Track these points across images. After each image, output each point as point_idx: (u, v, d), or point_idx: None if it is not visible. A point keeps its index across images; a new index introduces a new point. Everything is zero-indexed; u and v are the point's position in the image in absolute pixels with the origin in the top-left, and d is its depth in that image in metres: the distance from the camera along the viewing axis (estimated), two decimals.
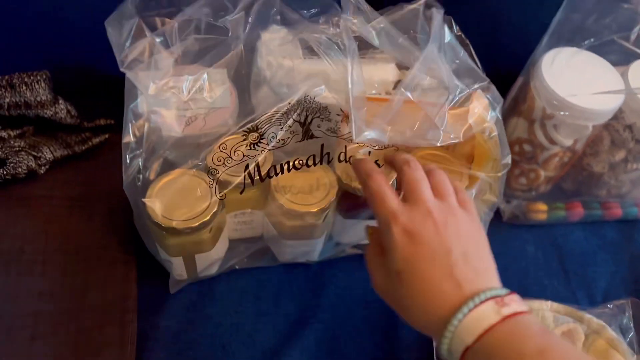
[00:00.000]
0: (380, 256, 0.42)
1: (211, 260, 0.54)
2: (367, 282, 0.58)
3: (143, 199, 0.48)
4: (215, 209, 0.49)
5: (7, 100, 0.57)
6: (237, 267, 0.57)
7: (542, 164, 0.62)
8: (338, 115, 0.51)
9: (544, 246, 0.64)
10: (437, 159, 0.56)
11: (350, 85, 0.46)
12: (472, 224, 0.42)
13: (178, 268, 0.53)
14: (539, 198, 0.66)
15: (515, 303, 0.36)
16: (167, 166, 0.51)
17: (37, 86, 0.57)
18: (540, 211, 0.65)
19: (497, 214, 0.65)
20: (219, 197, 0.49)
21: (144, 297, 0.54)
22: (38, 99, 0.57)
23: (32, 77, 0.56)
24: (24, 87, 0.56)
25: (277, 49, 0.55)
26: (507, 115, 0.62)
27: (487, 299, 0.36)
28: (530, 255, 0.63)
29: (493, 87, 0.52)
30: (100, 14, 0.54)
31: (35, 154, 0.56)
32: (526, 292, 0.56)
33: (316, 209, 0.51)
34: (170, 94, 0.49)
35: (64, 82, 0.61)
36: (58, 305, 0.51)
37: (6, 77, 0.56)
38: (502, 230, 0.64)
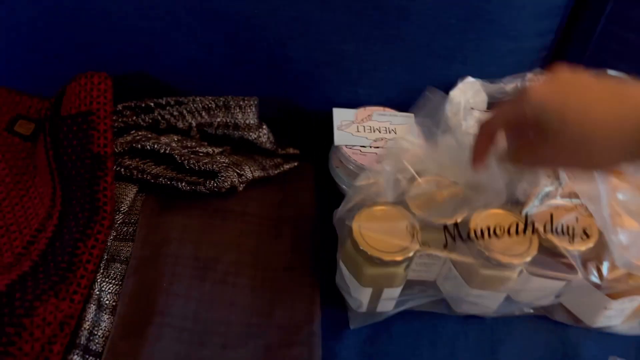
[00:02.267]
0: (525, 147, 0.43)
1: (393, 296, 0.54)
2: (547, 344, 0.57)
3: (348, 223, 0.50)
4: (418, 247, 0.50)
5: (218, 119, 0.61)
6: (409, 307, 0.57)
7: None
8: None
9: None
10: None
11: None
12: None
13: (364, 299, 0.53)
14: None
15: None
16: None
17: (248, 110, 0.61)
18: None
19: None
20: (420, 242, 0.50)
21: (323, 323, 0.55)
22: (247, 121, 0.61)
23: (246, 102, 0.61)
24: (238, 110, 0.61)
25: (470, 99, 0.56)
26: None
27: None
28: None
29: None
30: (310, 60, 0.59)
31: (239, 171, 0.59)
32: None
33: (518, 261, 0.50)
34: None
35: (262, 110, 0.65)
36: (247, 318, 0.53)
37: (222, 98, 0.61)
38: None
